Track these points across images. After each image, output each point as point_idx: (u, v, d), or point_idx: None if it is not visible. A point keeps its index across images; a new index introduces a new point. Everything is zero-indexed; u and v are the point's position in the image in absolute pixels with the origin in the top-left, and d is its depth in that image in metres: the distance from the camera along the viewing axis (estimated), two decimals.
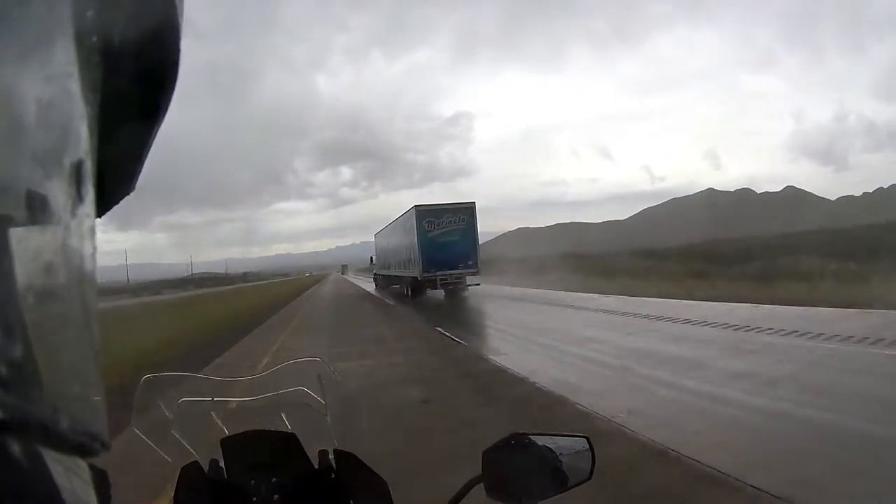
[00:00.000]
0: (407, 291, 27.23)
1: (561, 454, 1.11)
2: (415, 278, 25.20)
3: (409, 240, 25.82)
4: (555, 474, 1.10)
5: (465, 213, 25.24)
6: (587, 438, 1.15)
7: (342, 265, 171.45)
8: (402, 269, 28.24)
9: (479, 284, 25.10)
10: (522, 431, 1.12)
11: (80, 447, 0.33)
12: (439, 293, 24.71)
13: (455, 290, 24.94)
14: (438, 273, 24.22)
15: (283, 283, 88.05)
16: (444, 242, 24.56)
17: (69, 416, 0.32)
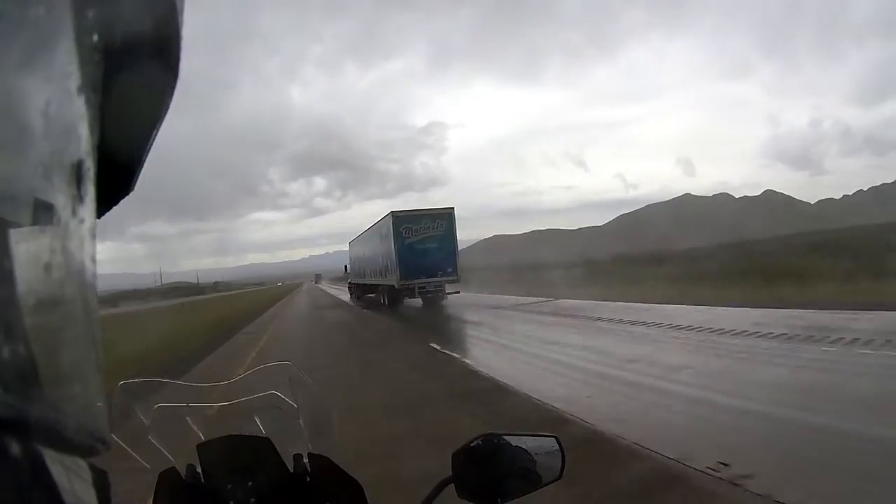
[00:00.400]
0: (384, 300, 26.23)
1: (532, 454, 1.13)
2: (392, 287, 24.21)
3: (386, 247, 24.81)
4: (526, 474, 1.11)
5: (443, 219, 24.35)
6: (556, 438, 1.18)
7: (316, 274, 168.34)
8: (379, 278, 27.19)
9: (458, 293, 24.20)
10: (491, 432, 1.14)
11: (80, 447, 0.33)
12: (416, 302, 23.79)
13: (434, 299, 24.03)
14: (416, 281, 23.27)
15: (254, 293, 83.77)
16: (423, 249, 23.63)
17: (69, 416, 0.32)
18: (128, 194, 0.44)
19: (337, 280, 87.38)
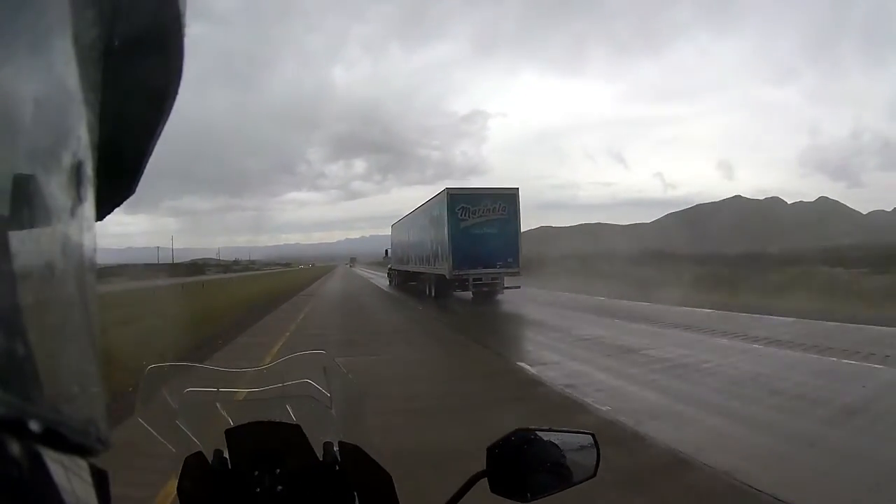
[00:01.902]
0: (429, 291, 22.97)
1: (566, 450, 1.11)
2: (442, 276, 20.94)
3: (438, 230, 21.55)
4: (559, 470, 1.09)
5: (506, 200, 20.88)
6: (593, 435, 1.15)
7: (350, 258, 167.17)
8: (425, 265, 23.97)
9: (518, 287, 20.78)
10: (527, 427, 1.11)
11: (80, 447, 0.33)
12: (464, 295, 20.58)
13: (489, 293, 20.69)
14: (472, 272, 19.95)
15: (277, 276, 70.00)
16: (481, 235, 20.28)
17: (69, 416, 0.32)
18: (130, 196, 0.44)
19: (374, 265, 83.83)
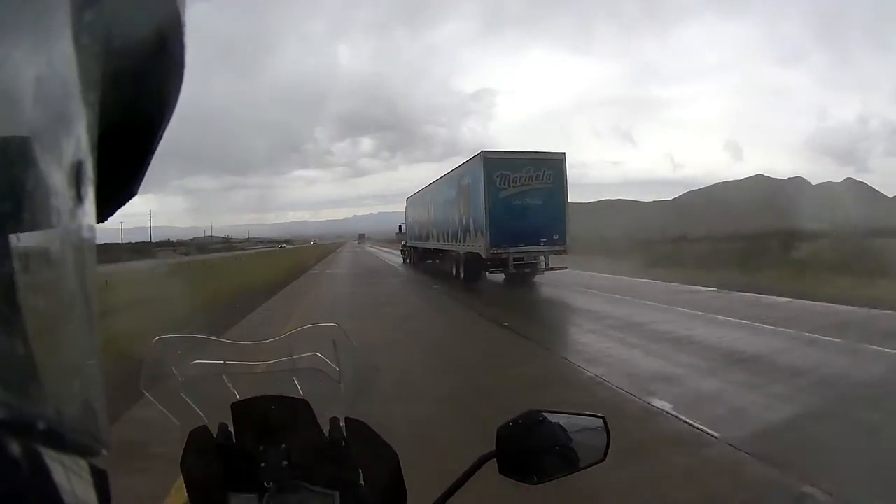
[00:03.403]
0: (457, 272, 20.00)
1: (576, 433, 1.10)
2: (474, 255, 17.93)
3: (470, 202, 18.45)
4: (568, 454, 1.09)
5: (552, 166, 17.69)
6: (603, 418, 1.13)
7: (359, 234, 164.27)
8: (451, 242, 20.92)
9: (565, 268, 17.76)
10: (538, 409, 1.10)
11: (80, 447, 0.33)
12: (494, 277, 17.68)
13: (530, 274, 17.71)
14: (512, 250, 16.91)
15: (265, 258, 53.40)
16: (522, 207, 17.18)
17: (69, 416, 0.32)
18: (132, 197, 0.43)
19: (384, 242, 79.65)
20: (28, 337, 0.30)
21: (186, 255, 76.26)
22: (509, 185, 17.18)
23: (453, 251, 20.85)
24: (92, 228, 0.36)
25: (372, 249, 75.53)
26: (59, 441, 0.31)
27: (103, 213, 0.39)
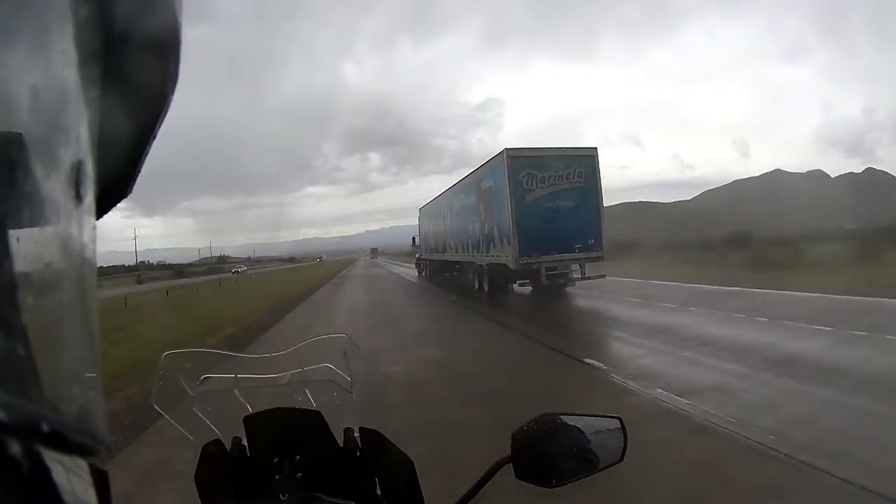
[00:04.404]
0: (479, 284, 18.05)
1: (592, 435, 1.08)
2: (500, 266, 15.96)
3: (494, 206, 16.46)
4: (585, 455, 1.07)
5: (583, 163, 15.64)
6: (620, 419, 1.12)
7: (371, 249, 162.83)
8: (472, 253, 18.94)
9: (604, 276, 15.68)
10: (553, 412, 1.09)
11: (80, 447, 0.33)
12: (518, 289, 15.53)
13: (563, 285, 15.71)
14: (545, 259, 14.89)
15: (251, 284, 39.82)
16: (553, 210, 15.15)
17: (69, 416, 0.32)
18: (126, 196, 0.43)
19: (397, 256, 76.70)
20: (28, 337, 0.30)
21: (140, 282, 67.13)
22: (537, 186, 15.18)
23: (474, 262, 18.86)
24: (92, 228, 0.36)
25: (385, 263, 72.80)
26: (59, 441, 0.30)
27: (98, 211, 0.39)
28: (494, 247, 16.49)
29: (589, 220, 15.35)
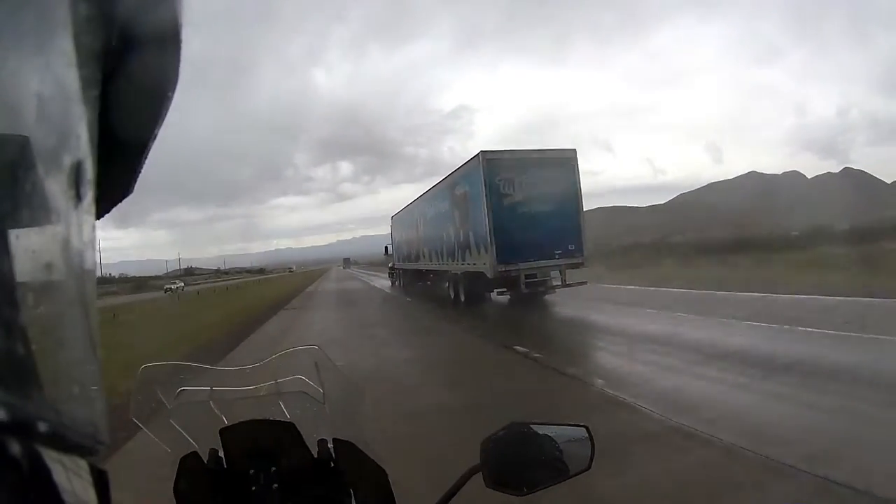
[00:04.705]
0: (455, 294, 17.25)
1: (561, 443, 1.10)
2: (477, 274, 15.18)
3: (469, 212, 15.69)
4: (554, 464, 1.08)
5: (561, 165, 14.99)
6: (587, 428, 1.14)
7: (344, 258, 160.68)
8: (447, 261, 18.15)
9: (585, 283, 14.95)
10: (521, 421, 1.11)
11: (80, 447, 0.33)
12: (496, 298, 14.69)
13: (541, 293, 15.01)
14: (524, 265, 14.16)
15: (208, 298, 36.95)
16: (531, 215, 14.43)
17: (69, 416, 0.32)
18: (128, 195, 0.44)
19: (372, 266, 75.02)
20: (28, 337, 0.30)
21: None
22: (515, 190, 14.44)
23: (450, 271, 18.04)
24: (92, 228, 0.36)
25: (359, 273, 70.41)
26: (59, 441, 0.30)
27: (100, 211, 0.40)
28: (471, 254, 15.69)
29: (568, 225, 14.66)
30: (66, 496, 0.31)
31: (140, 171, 0.43)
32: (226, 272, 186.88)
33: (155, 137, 0.41)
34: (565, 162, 15.07)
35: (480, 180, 14.47)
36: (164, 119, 0.41)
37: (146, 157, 0.42)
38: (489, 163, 14.47)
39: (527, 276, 14.20)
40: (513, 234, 14.10)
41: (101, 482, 0.36)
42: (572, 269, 14.73)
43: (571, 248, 14.59)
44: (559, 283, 14.81)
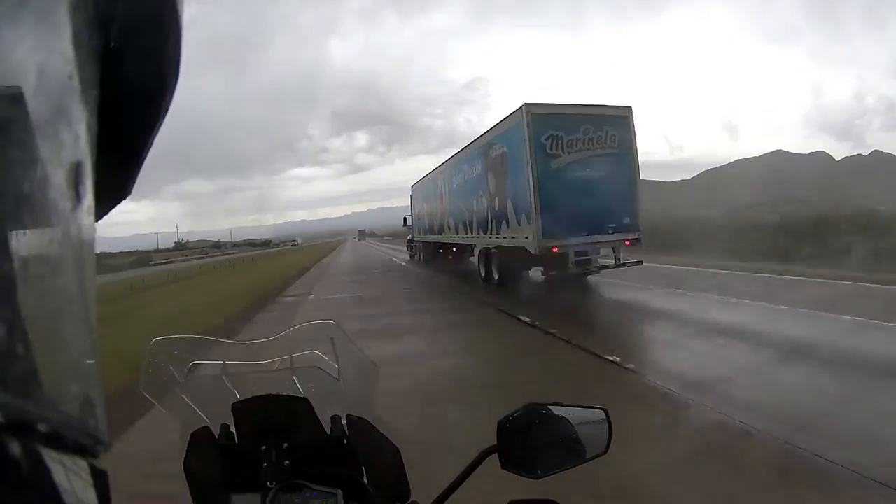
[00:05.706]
0: (488, 272, 15.12)
1: (577, 426, 1.07)
2: (517, 250, 13.01)
3: (508, 176, 13.46)
4: (571, 446, 1.07)
5: (617, 125, 12.66)
6: (605, 410, 1.10)
7: (359, 230, 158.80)
8: (479, 234, 15.98)
9: (640, 262, 12.78)
10: (539, 402, 1.07)
11: (80, 447, 0.33)
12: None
13: (588, 273, 12.79)
14: (573, 241, 11.94)
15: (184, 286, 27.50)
16: (583, 181, 12.13)
17: (69, 416, 0.33)
18: (126, 196, 0.44)
19: (388, 238, 72.52)
20: (28, 337, 0.30)
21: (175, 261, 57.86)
22: (564, 151, 12.17)
23: (480, 245, 15.94)
24: (91, 228, 0.37)
25: (376, 246, 67.06)
26: (59, 441, 0.31)
27: (99, 211, 0.40)
28: (508, 226, 13.53)
29: (624, 195, 12.43)
30: (66, 496, 0.31)
31: (139, 173, 0.42)
32: (221, 246, 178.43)
33: (154, 138, 0.41)
34: (621, 121, 12.76)
35: (524, 138, 12.18)
36: (164, 119, 0.40)
37: (145, 159, 0.42)
38: (534, 118, 12.14)
39: (576, 255, 12.03)
40: (561, 202, 11.89)
41: (101, 482, 0.36)
42: (627, 246, 12.58)
43: (627, 221, 12.39)
44: (611, 263, 12.69)
